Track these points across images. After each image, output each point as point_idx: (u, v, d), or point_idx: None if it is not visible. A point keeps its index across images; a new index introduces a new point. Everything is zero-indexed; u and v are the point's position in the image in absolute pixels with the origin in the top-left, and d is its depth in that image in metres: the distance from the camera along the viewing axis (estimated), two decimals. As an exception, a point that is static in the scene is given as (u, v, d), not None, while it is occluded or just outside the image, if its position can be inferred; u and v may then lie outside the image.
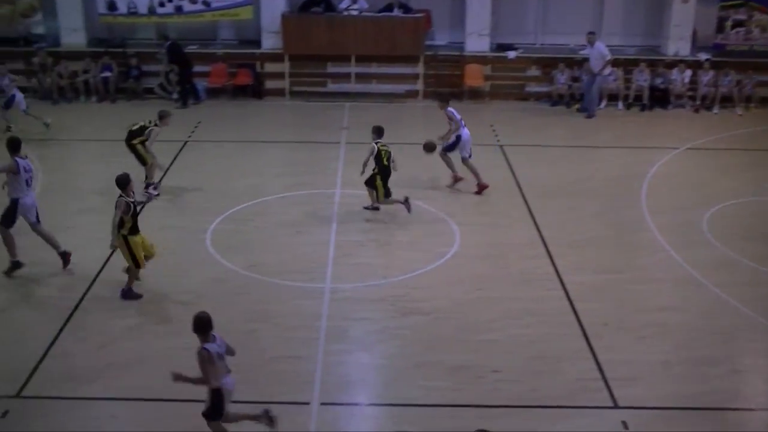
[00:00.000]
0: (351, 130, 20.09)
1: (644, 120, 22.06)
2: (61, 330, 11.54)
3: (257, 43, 23.68)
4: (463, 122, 16.59)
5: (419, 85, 23.55)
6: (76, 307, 12.13)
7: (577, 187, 16.87)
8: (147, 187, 16.25)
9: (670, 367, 10.87)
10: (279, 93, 23.36)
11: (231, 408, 9.04)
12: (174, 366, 10.56)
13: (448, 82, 23.32)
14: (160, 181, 16.62)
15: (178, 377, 8.82)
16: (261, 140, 18.88)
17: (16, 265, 13.17)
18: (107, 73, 22.91)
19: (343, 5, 23.21)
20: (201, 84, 23.08)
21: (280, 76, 23.32)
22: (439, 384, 10.39)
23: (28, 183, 13.08)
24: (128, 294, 12.43)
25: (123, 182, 12.08)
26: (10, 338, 11.42)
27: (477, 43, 23.49)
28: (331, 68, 23.54)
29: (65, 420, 9.71)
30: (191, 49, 23.24)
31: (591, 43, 21.81)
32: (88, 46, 23.69)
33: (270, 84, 23.46)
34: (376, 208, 15.50)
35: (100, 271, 13.20)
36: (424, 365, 10.81)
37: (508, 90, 23.60)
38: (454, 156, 16.70)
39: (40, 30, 23.92)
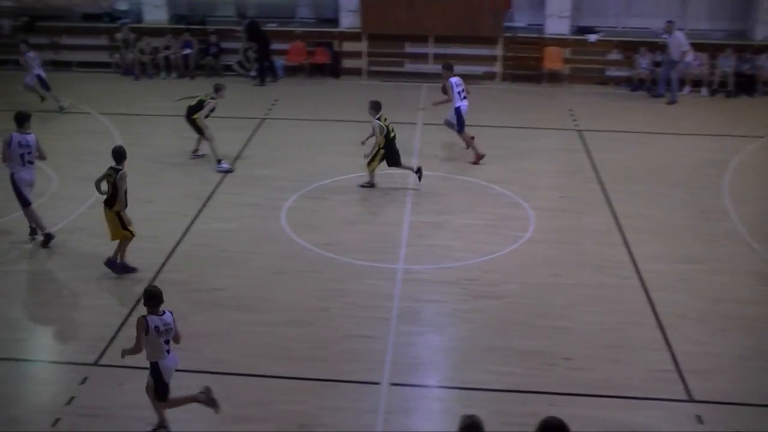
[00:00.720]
0: (427, 111, 20.00)
1: (729, 107, 21.46)
2: (138, 302, 11.77)
3: (335, 22, 23.71)
4: (463, 94, 16.83)
5: (497, 67, 23.32)
6: (153, 279, 12.36)
7: (657, 175, 16.52)
8: (219, 162, 16.52)
9: (749, 362, 10.61)
10: (356, 72, 23.37)
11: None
12: (243, 341, 10.80)
13: (526, 65, 23.06)
14: (197, 153, 16.80)
15: (123, 352, 9.04)
16: (337, 119, 18.92)
17: (48, 237, 13.44)
18: (187, 50, 23.20)
19: (423, -16, 23.07)
20: (279, 62, 23.23)
21: (357, 55, 23.33)
22: (509, 369, 10.33)
23: (23, 158, 13.13)
24: (113, 264, 12.43)
25: (122, 155, 12.15)
26: (90, 308, 11.72)
27: (557, 25, 23.14)
28: (409, 48, 23.45)
29: (139, 389, 9.90)
30: (270, 27, 23.38)
31: (669, 31, 21.30)
32: (169, 22, 24.02)
33: (347, 63, 23.49)
34: (372, 185, 15.54)
35: (177, 244, 13.42)
36: (495, 349, 10.75)
37: (588, 74, 23.19)
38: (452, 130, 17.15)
39: (123, 6, 24.34)
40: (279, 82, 22.94)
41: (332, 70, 23.39)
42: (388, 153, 15.40)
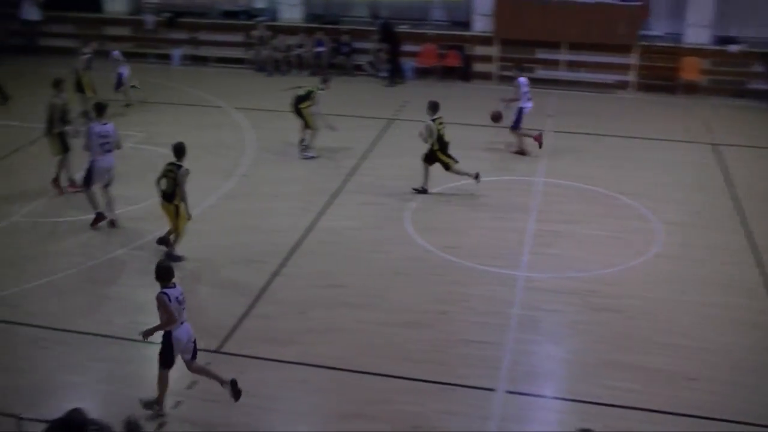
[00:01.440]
0: (556, 117, 19.76)
1: None
2: (262, 292, 12.06)
3: (468, 25, 23.69)
4: (528, 95, 17.26)
5: (630, 76, 22.83)
6: (276, 272, 12.62)
7: (799, 195, 15.82)
8: (304, 149, 17.01)
9: None
10: (486, 77, 23.30)
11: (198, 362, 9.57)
12: (361, 338, 10.90)
13: (662, 75, 22.50)
14: (301, 143, 16.98)
15: (146, 333, 9.30)
16: (466, 123, 18.89)
17: (99, 216, 14.02)
18: (320, 48, 23.60)
19: (559, -10, 22.82)
20: (409, 64, 23.36)
21: (488, 59, 23.25)
22: (627, 385, 10.07)
23: (102, 147, 13.75)
24: (174, 258, 12.64)
25: (182, 151, 12.50)
26: (216, 296, 12.06)
27: (697, 34, 22.50)
28: (541, 54, 23.21)
29: (258, 379, 10.14)
30: (402, 28, 23.54)
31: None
32: (304, 21, 24.50)
33: (478, 67, 23.44)
34: (425, 191, 15.37)
35: (301, 239, 13.66)
36: (614, 364, 10.52)
37: (727, 86, 22.44)
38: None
39: (261, 4, 24.95)
40: (409, 84, 23.07)
41: (463, 73, 23.37)
42: (444, 151, 15.27)
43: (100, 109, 14.16)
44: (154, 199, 14.52)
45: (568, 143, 17.86)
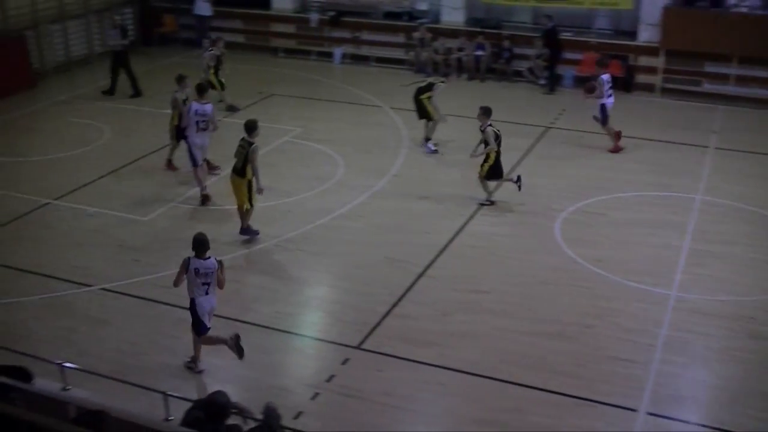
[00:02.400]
0: (722, 134, 18.96)
1: None
2: (406, 292, 12.09)
3: (632, 35, 23.03)
4: (610, 92, 17.56)
5: (806, 94, 21.61)
6: (422, 273, 12.63)
7: None
8: (426, 141, 17.29)
9: None
10: (649, 88, 22.56)
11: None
12: (502, 346, 10.76)
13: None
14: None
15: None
16: (626, 135, 18.39)
17: (205, 198, 14.88)
18: (480, 53, 23.47)
19: (732, 1, 21.83)
20: (569, 72, 22.93)
21: (652, 70, 22.50)
22: (779, 418, 9.56)
23: (198, 125, 14.65)
24: (247, 231, 13.47)
25: (253, 128, 13.11)
26: (360, 293, 12.17)
27: None
28: (709, 67, 22.28)
29: (395, 378, 10.18)
30: (565, 35, 23.12)
31: None
32: (465, 24, 24.42)
33: (641, 78, 22.73)
34: (492, 203, 15.06)
35: (449, 242, 13.62)
36: (765, 395, 9.99)
37: None
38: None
39: (423, 6, 25.04)
40: (567, 92, 22.63)
41: (624, 84, 22.70)
42: (495, 164, 14.99)
43: (201, 89, 15.10)
44: (306, 194, 14.94)
45: (731, 161, 17.11)
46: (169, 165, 16.41)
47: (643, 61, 22.68)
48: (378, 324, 11.29)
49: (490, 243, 13.68)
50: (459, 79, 23.38)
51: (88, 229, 14.10)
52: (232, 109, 19.92)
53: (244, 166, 13.16)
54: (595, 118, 17.89)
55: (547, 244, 13.64)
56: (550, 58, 22.53)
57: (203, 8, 25.59)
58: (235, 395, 7.51)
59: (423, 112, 17.61)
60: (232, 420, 7.42)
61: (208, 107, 14.81)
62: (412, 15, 24.95)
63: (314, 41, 25.69)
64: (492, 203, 15.17)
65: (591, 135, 18.47)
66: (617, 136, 17.85)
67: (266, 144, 17.77)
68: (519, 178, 15.24)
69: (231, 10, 26.20)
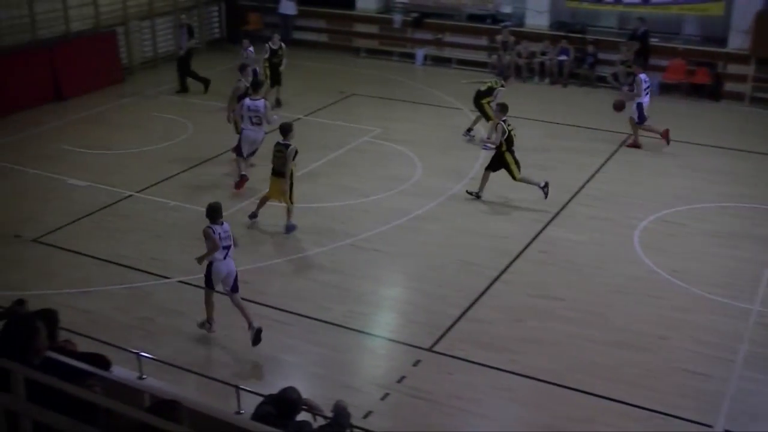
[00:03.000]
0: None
1: None
2: (480, 296, 12.05)
3: (722, 42, 22.51)
4: (647, 91, 17.94)
5: None
6: (497, 278, 12.57)
7: None
8: (485, 142, 17.74)
9: None
10: (738, 97, 21.99)
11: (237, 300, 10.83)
12: (574, 354, 10.64)
13: None
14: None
15: (199, 259, 10.84)
16: (712, 144, 17.98)
17: (243, 178, 15.43)
18: (563, 57, 23.25)
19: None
20: (655, 78, 22.50)
21: (742, 78, 21.93)
22: None
23: (250, 120, 15.30)
24: (292, 227, 13.87)
25: (287, 130, 13.61)
26: (434, 295, 12.15)
27: None
28: (802, 77, 21.65)
29: (465, 381, 10.15)
30: (652, 41, 22.71)
31: None
32: (549, 29, 24.21)
33: (730, 86, 22.18)
34: (479, 196, 15.17)
35: (525, 247, 13.52)
36: None
37: None
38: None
39: (508, 9, 24.91)
40: (653, 99, 22.18)
41: (712, 92, 22.22)
42: (512, 153, 15.15)
43: (256, 85, 15.99)
44: (384, 194, 15.00)
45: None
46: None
47: (733, 68, 22.14)
48: (450, 327, 11.27)
49: (566, 249, 13.53)
50: (540, 84, 23.21)
51: (168, 222, 14.40)
52: (279, 103, 20.33)
53: (283, 168, 13.59)
54: (631, 119, 18.02)
55: (624, 253, 13.43)
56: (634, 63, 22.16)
57: (288, 7, 25.92)
58: (305, 392, 7.58)
59: (485, 115, 18.00)
60: (302, 416, 7.49)
61: (260, 103, 15.30)
62: (495, 18, 24.85)
63: (397, 42, 25.79)
64: (478, 197, 15.24)
65: (673, 143, 18.13)
66: (664, 133, 18.07)
67: (345, 144, 17.95)
68: (546, 185, 15.17)
69: (315, 9, 26.49)
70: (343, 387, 9.86)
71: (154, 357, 9.52)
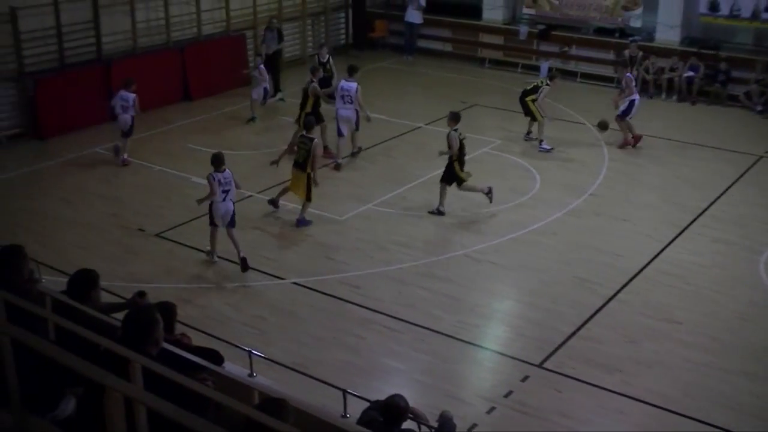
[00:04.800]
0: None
1: None
2: (594, 314, 11.79)
3: None
4: (637, 89, 18.69)
5: None
6: (613, 296, 12.29)
7: None
8: (540, 143, 18.11)
9: None
10: None
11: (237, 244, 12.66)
12: (690, 379, 10.29)
13: None
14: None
15: (199, 201, 13.07)
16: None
17: (355, 152, 17.28)
18: (692, 74, 22.53)
19: None
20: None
21: None
22: None
23: (343, 99, 17.06)
24: (303, 222, 14.42)
25: (310, 125, 14.65)
26: (547, 310, 11.97)
27: None
28: None
29: (574, 400, 9.96)
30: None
31: None
32: (680, 44, 23.53)
33: None
34: (441, 213, 14.85)
35: (643, 267, 13.17)
36: None
37: None
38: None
39: (637, 23, 24.30)
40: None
41: None
42: (461, 164, 14.90)
43: (351, 70, 17.33)
44: (501, 206, 14.86)
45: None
46: (327, 151, 17.07)
47: None
48: (562, 344, 11.07)
49: (687, 272, 13.10)
50: (668, 101, 22.58)
51: (286, 223, 14.63)
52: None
53: (305, 161, 14.18)
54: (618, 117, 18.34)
55: (749, 278, 12.93)
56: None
57: (414, 16, 26.02)
58: (411, 400, 7.56)
59: (528, 113, 18.56)
60: (407, 425, 7.47)
61: (353, 85, 17.00)
62: (624, 32, 24.30)
63: (522, 53, 25.56)
64: (442, 214, 14.88)
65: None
66: (636, 137, 18.36)
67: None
68: (490, 190, 15.01)
69: (441, 18, 26.49)
70: (449, 397, 9.80)
71: (265, 356, 9.70)
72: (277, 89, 21.92)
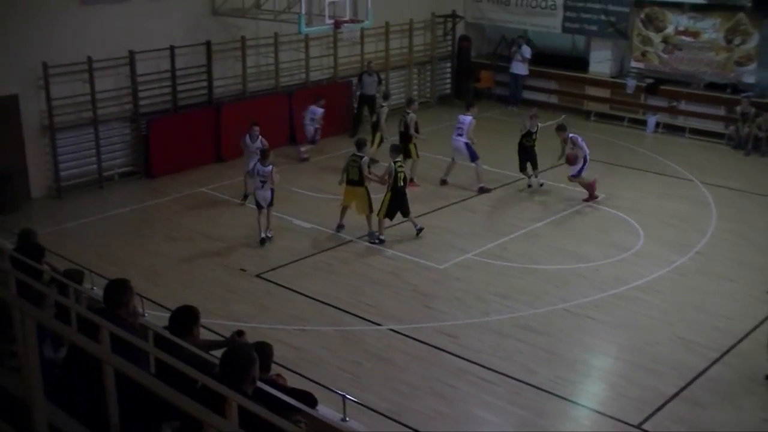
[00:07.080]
0: None
1: None
2: (696, 377, 11.40)
3: None
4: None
5: None
6: (718, 359, 11.85)
7: None
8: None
9: None
10: None
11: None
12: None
13: None
14: None
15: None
16: None
17: (483, 189, 18.24)
18: (807, 132, 21.80)
19: None
20: None
21: None
22: None
23: (457, 130, 18.71)
24: (374, 236, 15.56)
25: (362, 144, 15.81)
26: (645, 371, 11.59)
27: None
28: None
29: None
30: None
31: None
32: (795, 102, 22.86)
33: None
34: (381, 241, 15.57)
35: (751, 330, 12.66)
36: None
37: None
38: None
39: (750, 79, 23.71)
40: None
41: None
42: (396, 201, 15.51)
43: (469, 105, 19.36)
44: (603, 261, 14.58)
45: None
46: (411, 182, 17.82)
47: None
48: (662, 405, 10.71)
49: (799, 337, 12.57)
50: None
51: (385, 270, 14.66)
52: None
53: (360, 178, 15.41)
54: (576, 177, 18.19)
55: None
56: None
57: (519, 68, 26.04)
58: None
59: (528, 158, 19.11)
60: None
61: (467, 118, 18.50)
62: (736, 87, 23.73)
63: (628, 107, 25.23)
64: (381, 242, 15.57)
65: None
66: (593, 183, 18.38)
67: (568, 206, 17.68)
68: (421, 229, 15.82)
69: (547, 70, 26.43)
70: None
71: (359, 401, 9.68)
72: (375, 133, 22.04)
